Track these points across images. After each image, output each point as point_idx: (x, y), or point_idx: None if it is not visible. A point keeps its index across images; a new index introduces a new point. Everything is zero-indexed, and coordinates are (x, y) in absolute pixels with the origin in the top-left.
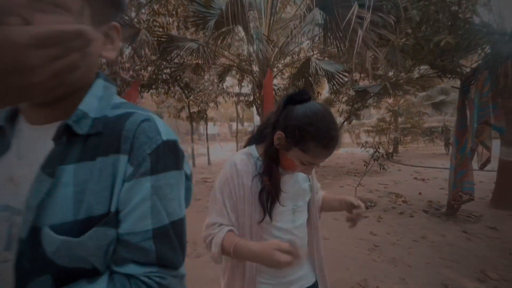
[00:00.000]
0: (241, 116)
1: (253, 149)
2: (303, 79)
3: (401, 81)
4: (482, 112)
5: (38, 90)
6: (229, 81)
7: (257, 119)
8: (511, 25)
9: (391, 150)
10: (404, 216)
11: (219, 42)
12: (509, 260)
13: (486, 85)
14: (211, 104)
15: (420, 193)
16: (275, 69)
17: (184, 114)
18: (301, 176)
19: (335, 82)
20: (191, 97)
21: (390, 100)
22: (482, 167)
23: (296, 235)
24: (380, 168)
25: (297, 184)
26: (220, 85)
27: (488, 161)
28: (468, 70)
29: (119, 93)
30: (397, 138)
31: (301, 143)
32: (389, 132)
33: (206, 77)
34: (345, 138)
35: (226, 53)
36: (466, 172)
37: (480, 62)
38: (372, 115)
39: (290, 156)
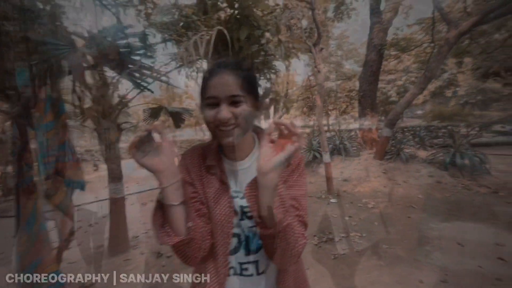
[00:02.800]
0: None
1: None
2: None
3: None
4: (52, 157)
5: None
6: None
7: None
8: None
9: None
10: None
11: None
12: None
13: (47, 111)
14: None
15: None
16: None
17: None
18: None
19: None
20: None
21: None
22: (65, 244)
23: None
24: None
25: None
26: None
27: (71, 233)
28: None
29: None
30: None
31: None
32: None
33: None
34: None
35: None
36: (41, 262)
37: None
38: None
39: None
